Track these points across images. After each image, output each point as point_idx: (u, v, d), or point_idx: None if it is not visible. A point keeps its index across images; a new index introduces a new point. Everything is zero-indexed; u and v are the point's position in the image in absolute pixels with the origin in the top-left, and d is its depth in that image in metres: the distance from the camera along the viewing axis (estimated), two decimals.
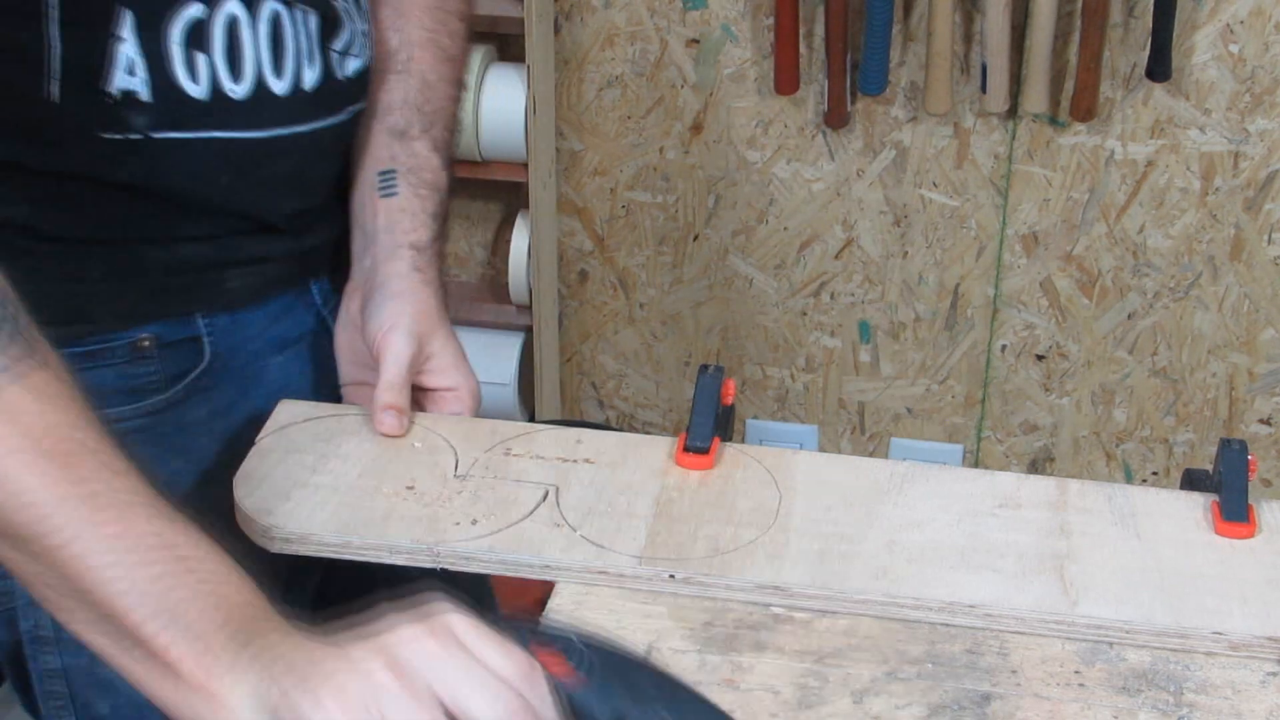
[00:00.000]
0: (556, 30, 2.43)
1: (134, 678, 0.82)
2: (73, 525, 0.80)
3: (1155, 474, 2.57)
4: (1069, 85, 2.28)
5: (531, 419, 2.56)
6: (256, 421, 1.14)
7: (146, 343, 1.12)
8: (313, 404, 1.16)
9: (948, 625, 0.98)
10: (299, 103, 1.12)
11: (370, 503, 1.05)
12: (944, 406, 2.59)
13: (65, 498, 0.80)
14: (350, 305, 1.20)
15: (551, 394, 2.61)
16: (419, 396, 1.17)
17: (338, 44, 1.15)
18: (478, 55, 2.37)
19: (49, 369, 0.84)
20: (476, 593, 1.39)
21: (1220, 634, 0.96)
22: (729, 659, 0.95)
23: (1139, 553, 1.03)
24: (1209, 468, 1.10)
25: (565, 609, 0.99)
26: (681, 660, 0.94)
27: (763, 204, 2.49)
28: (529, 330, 2.53)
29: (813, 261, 2.52)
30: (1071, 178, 2.37)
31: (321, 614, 0.82)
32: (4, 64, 1.02)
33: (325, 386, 1.22)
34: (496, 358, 2.51)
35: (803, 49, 2.34)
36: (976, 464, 2.61)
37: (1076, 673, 0.94)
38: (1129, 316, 2.46)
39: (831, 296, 2.54)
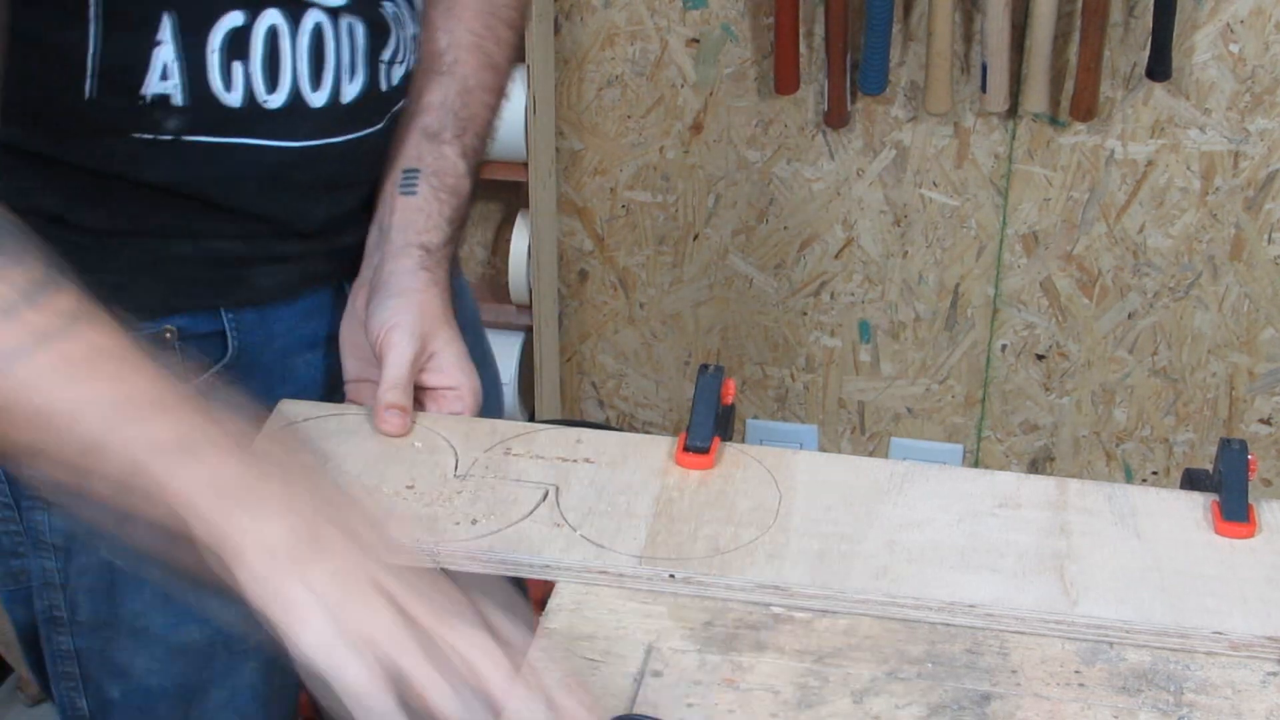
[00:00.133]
0: (556, 30, 2.43)
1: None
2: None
3: (1155, 474, 2.58)
4: (1069, 85, 2.28)
5: (531, 419, 2.56)
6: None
7: (169, 334, 1.12)
8: (313, 404, 1.16)
9: (948, 625, 0.98)
10: (336, 115, 1.12)
11: (370, 500, 1.05)
12: (944, 406, 2.59)
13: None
14: (356, 301, 1.20)
15: (551, 394, 2.61)
16: (420, 395, 1.17)
17: (386, 54, 1.14)
18: None
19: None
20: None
21: (1220, 634, 0.96)
22: (729, 659, 0.95)
23: (1139, 552, 1.03)
24: (1209, 467, 1.10)
25: (565, 609, 0.99)
26: (681, 660, 0.94)
27: (763, 204, 2.49)
28: (529, 330, 2.54)
29: (813, 261, 2.52)
30: (1071, 177, 2.37)
31: None
32: (44, 60, 1.02)
33: None
34: (496, 357, 2.50)
35: (803, 49, 2.34)
36: (976, 464, 2.61)
37: (1076, 672, 0.94)
38: (1129, 316, 2.46)
39: (831, 296, 2.54)
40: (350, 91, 1.12)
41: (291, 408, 1.15)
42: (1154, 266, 2.41)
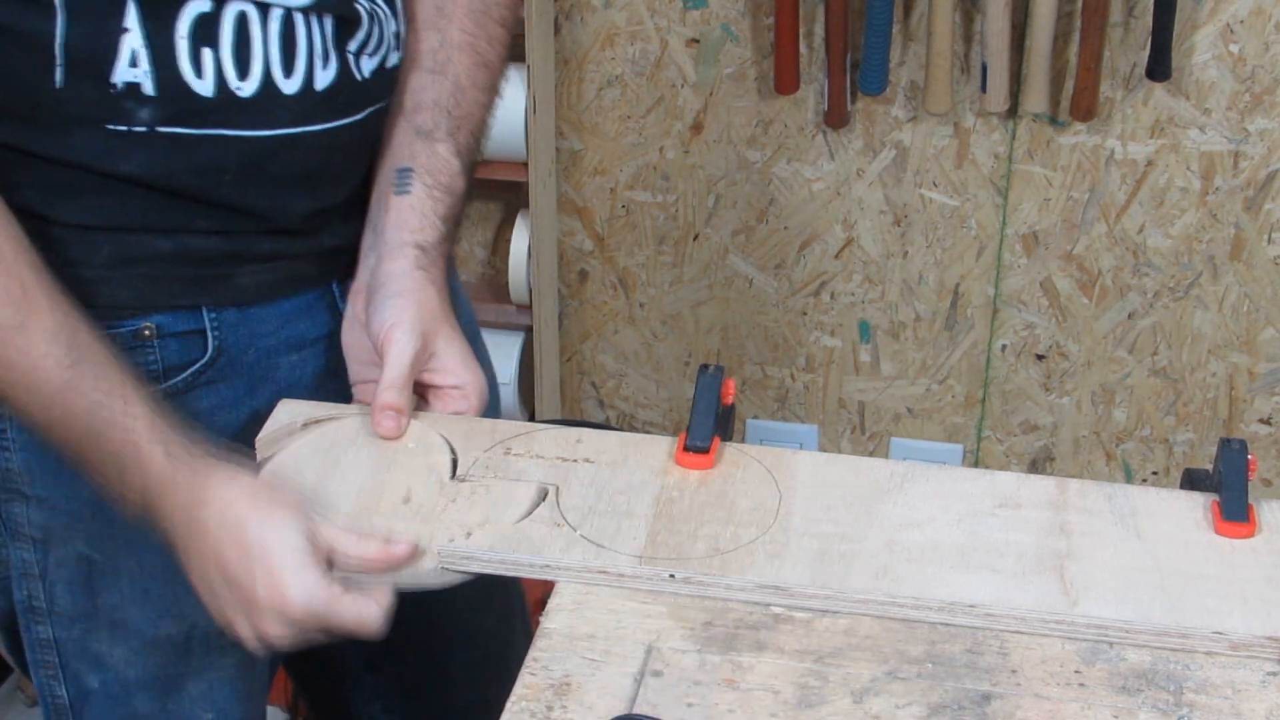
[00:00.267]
0: (556, 30, 2.43)
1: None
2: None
3: (1155, 474, 2.57)
4: (1069, 85, 2.28)
5: (531, 419, 2.56)
6: (264, 418, 1.14)
7: (148, 331, 1.12)
8: (313, 404, 1.16)
9: (948, 625, 0.98)
10: (311, 102, 1.12)
11: (369, 520, 1.05)
12: (944, 406, 2.59)
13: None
14: (355, 303, 1.20)
15: (551, 394, 2.61)
16: (425, 393, 1.17)
17: (353, 44, 1.14)
18: None
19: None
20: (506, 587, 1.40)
21: (1220, 634, 0.96)
22: (729, 659, 0.95)
23: (1139, 552, 1.03)
24: (1209, 467, 1.10)
25: (565, 609, 0.99)
26: (681, 660, 0.94)
27: (763, 204, 2.49)
28: (529, 330, 2.53)
29: (813, 261, 2.52)
30: (1071, 177, 2.37)
31: None
32: (13, 49, 1.02)
33: (339, 390, 1.22)
34: (496, 357, 2.49)
35: (803, 49, 2.34)
36: (976, 464, 2.61)
37: (1076, 672, 0.94)
38: (1129, 316, 2.46)
39: (831, 296, 2.54)
40: (324, 79, 1.12)
41: (291, 407, 1.15)
42: (1154, 266, 2.41)
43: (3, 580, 1.20)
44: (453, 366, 1.17)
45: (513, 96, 2.34)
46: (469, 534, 1.03)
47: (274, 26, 1.09)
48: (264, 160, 1.11)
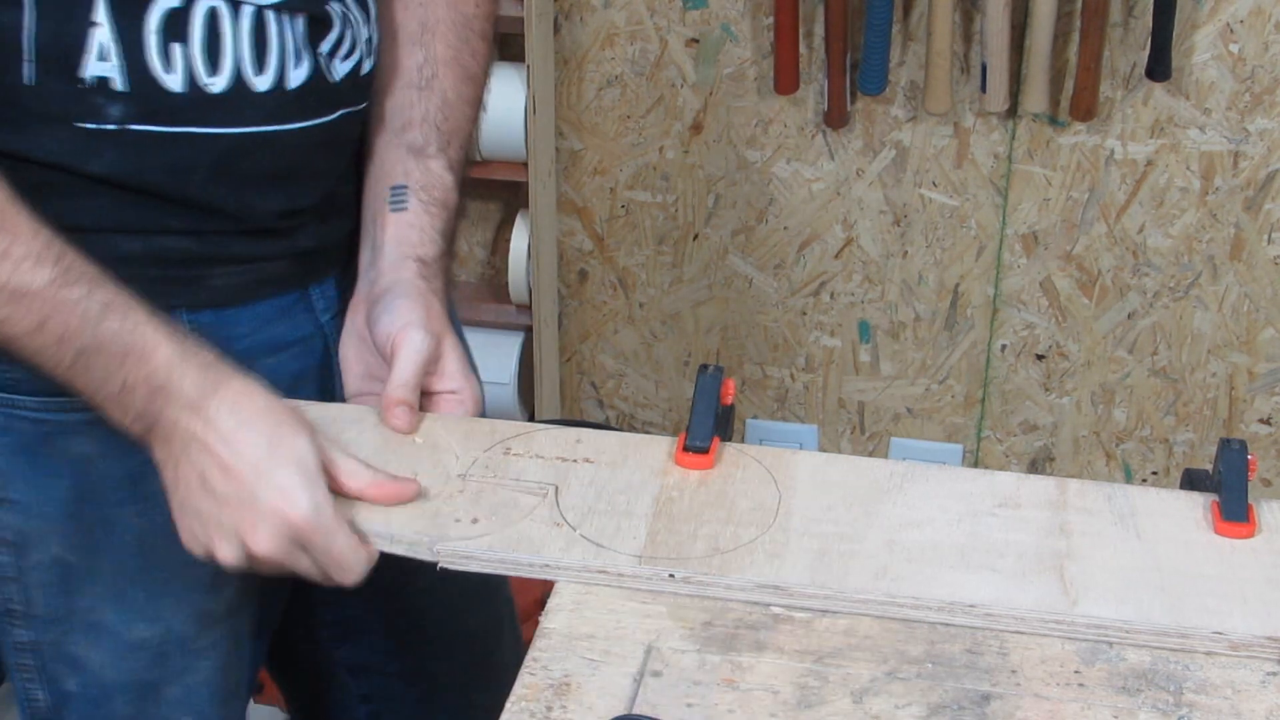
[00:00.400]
0: (556, 30, 2.43)
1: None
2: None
3: (1155, 474, 2.57)
4: (1069, 85, 2.28)
5: (531, 419, 2.56)
6: None
7: None
8: (313, 404, 1.16)
9: (947, 625, 0.98)
10: (283, 101, 1.11)
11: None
12: (944, 406, 2.59)
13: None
14: (355, 318, 1.20)
15: (551, 394, 2.61)
16: (421, 400, 1.17)
17: (325, 45, 1.14)
18: None
19: None
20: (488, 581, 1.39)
21: (1220, 634, 0.96)
22: (729, 659, 0.94)
23: (1139, 552, 1.03)
24: (1209, 467, 1.10)
25: (565, 609, 0.99)
26: (681, 660, 0.94)
27: (762, 204, 2.49)
28: (529, 330, 2.53)
29: (812, 261, 2.52)
30: (1071, 177, 2.37)
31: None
32: None
33: (316, 392, 1.22)
34: (496, 357, 2.51)
35: (803, 49, 2.34)
36: (976, 464, 2.61)
37: (1076, 672, 0.94)
38: (1129, 316, 2.46)
39: (831, 296, 2.54)
40: (296, 78, 1.12)
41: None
42: (1154, 266, 2.41)
43: None
44: (452, 373, 1.18)
45: (512, 96, 2.34)
46: (474, 520, 1.03)
47: (245, 23, 1.08)
48: (235, 159, 1.11)
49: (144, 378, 1.01)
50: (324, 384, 1.23)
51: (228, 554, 1.02)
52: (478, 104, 1.27)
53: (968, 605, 0.98)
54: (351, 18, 1.16)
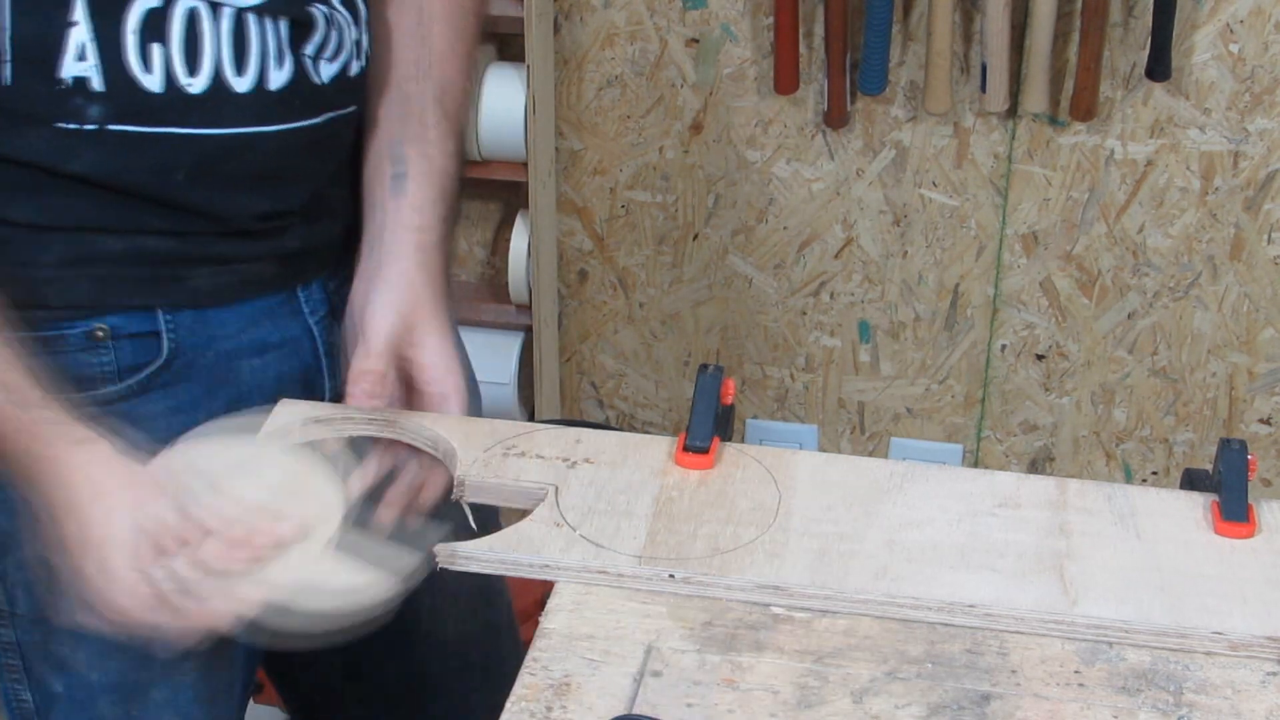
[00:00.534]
0: (556, 30, 2.42)
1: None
2: None
3: (1155, 474, 2.57)
4: (1069, 85, 2.28)
5: (531, 419, 2.56)
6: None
7: (101, 333, 1.12)
8: (315, 404, 1.16)
9: (947, 625, 0.98)
10: (265, 103, 1.11)
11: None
12: (944, 406, 2.59)
13: None
14: (353, 306, 1.20)
15: (551, 394, 2.61)
16: (408, 396, 1.17)
17: (309, 48, 1.13)
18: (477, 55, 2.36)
19: None
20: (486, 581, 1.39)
21: (1220, 634, 0.96)
22: (729, 659, 0.95)
23: (1139, 552, 1.03)
24: (1209, 467, 1.10)
25: (565, 609, 0.99)
26: (681, 660, 0.94)
27: (762, 204, 2.49)
28: (529, 330, 2.53)
29: (812, 261, 2.52)
30: (1071, 177, 2.37)
31: None
32: None
33: (302, 394, 1.21)
34: (496, 357, 2.51)
35: (802, 49, 2.34)
36: (976, 464, 2.61)
37: (1076, 672, 0.94)
38: (1129, 316, 2.46)
39: (831, 296, 2.54)
40: (278, 79, 1.11)
41: (292, 407, 1.15)
42: (1154, 266, 2.41)
43: None
44: (433, 362, 1.17)
45: (512, 96, 2.34)
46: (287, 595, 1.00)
47: (225, 25, 1.08)
48: (216, 160, 1.10)
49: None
50: (311, 386, 1.22)
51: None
52: (469, 93, 1.26)
53: (967, 605, 0.98)
54: (338, 20, 1.15)
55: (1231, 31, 2.24)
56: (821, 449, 2.65)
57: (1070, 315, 2.48)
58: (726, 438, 1.13)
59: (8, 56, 1.03)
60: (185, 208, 1.11)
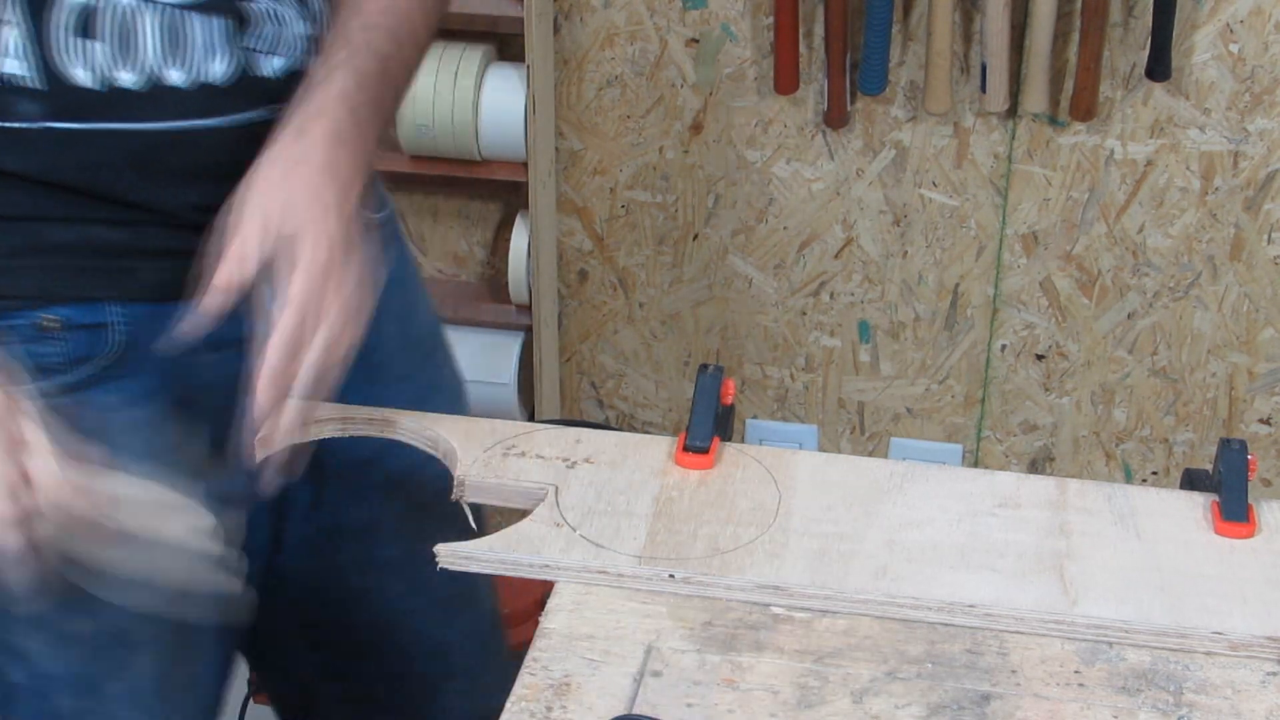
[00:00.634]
0: (556, 30, 2.42)
1: None
2: None
3: (1155, 474, 2.57)
4: (1069, 85, 2.28)
5: (531, 419, 2.56)
6: (180, 412, 1.13)
7: (49, 323, 1.11)
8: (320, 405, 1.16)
9: (947, 625, 0.98)
10: (204, 96, 1.10)
11: None
12: (944, 406, 2.59)
13: None
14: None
15: (551, 394, 2.61)
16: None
17: (251, 40, 1.12)
18: (477, 55, 2.36)
19: None
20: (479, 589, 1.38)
21: (1220, 634, 0.96)
22: (729, 659, 0.95)
23: (1139, 552, 1.03)
24: (1209, 467, 1.11)
25: (565, 609, 0.99)
26: (681, 660, 0.94)
27: (762, 204, 2.49)
28: (529, 330, 2.53)
29: (812, 261, 2.52)
30: (1071, 177, 2.37)
31: None
32: None
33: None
34: (496, 357, 2.51)
35: (803, 49, 2.34)
36: (976, 464, 2.61)
37: (1076, 672, 0.94)
38: (1129, 316, 2.46)
39: (831, 296, 2.54)
40: (216, 73, 1.11)
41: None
42: (1154, 266, 2.41)
43: None
44: (290, 201, 1.06)
45: (512, 96, 2.34)
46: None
47: (159, 19, 1.08)
48: (156, 154, 1.10)
49: None
50: None
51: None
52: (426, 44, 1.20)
53: (967, 605, 0.98)
54: (280, 15, 1.14)
55: (1231, 31, 2.24)
56: (821, 449, 2.65)
57: (1070, 315, 2.48)
58: (726, 438, 1.13)
59: None
60: (131, 202, 1.11)
